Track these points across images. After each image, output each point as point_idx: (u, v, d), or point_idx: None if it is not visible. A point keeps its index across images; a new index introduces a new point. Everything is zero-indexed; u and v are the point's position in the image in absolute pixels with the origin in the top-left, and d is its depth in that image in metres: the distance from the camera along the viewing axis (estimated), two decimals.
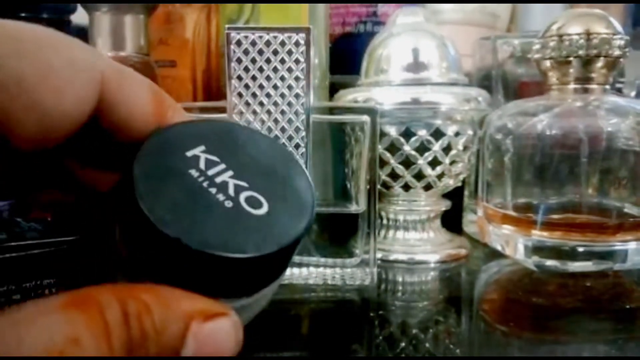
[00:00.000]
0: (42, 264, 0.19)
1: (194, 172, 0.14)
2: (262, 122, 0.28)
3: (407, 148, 0.35)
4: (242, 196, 0.14)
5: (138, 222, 0.13)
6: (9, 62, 0.13)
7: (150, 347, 0.12)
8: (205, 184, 0.14)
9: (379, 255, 0.33)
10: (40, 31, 0.14)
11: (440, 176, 0.36)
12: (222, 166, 0.15)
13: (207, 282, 0.13)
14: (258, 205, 0.14)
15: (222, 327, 0.13)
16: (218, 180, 0.14)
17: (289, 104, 0.28)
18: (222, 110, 0.28)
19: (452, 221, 0.40)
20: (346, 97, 0.37)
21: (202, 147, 0.15)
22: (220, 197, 0.14)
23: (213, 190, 0.14)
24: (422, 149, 0.35)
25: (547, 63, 0.33)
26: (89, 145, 0.17)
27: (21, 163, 0.17)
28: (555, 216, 0.33)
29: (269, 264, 0.14)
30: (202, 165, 0.15)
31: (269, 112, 0.28)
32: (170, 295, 0.13)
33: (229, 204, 0.14)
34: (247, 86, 0.27)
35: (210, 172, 0.14)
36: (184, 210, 0.13)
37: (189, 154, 0.15)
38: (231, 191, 0.14)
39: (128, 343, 0.12)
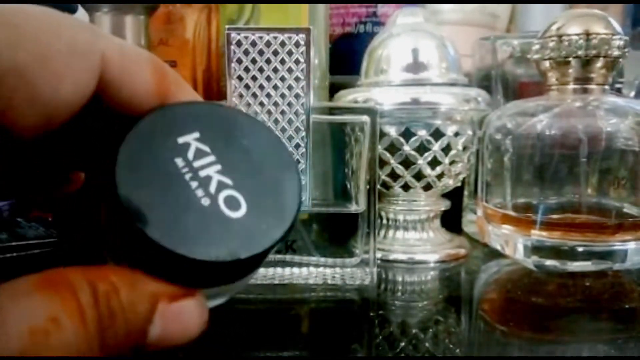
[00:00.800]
0: (43, 264, 0.19)
1: (179, 162, 0.14)
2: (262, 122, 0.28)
3: (407, 148, 0.35)
4: (222, 195, 0.14)
5: (116, 208, 0.13)
6: (6, 52, 0.13)
7: (119, 327, 0.12)
8: (187, 177, 0.14)
9: (378, 255, 0.33)
10: (40, 14, 0.14)
11: (439, 176, 0.36)
12: (211, 158, 0.15)
13: (176, 275, 0.14)
14: (236, 206, 0.14)
15: (187, 307, 0.14)
16: (202, 173, 0.14)
17: (289, 104, 0.28)
18: None
19: (451, 221, 0.40)
20: (346, 97, 0.37)
21: (196, 134, 0.15)
22: (199, 192, 0.14)
23: (194, 184, 0.14)
24: (422, 149, 0.35)
25: (547, 63, 0.33)
26: (90, 124, 0.16)
27: (22, 160, 0.17)
28: (554, 216, 0.33)
29: (238, 267, 0.14)
30: (190, 154, 0.14)
31: (269, 112, 0.28)
32: (138, 277, 0.13)
33: (206, 201, 0.14)
34: (247, 86, 0.28)
35: (197, 164, 0.14)
36: (160, 204, 0.13)
37: (181, 140, 0.14)
38: (212, 188, 0.14)
39: (99, 322, 0.12)
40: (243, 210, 0.14)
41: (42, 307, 0.12)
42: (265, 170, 0.15)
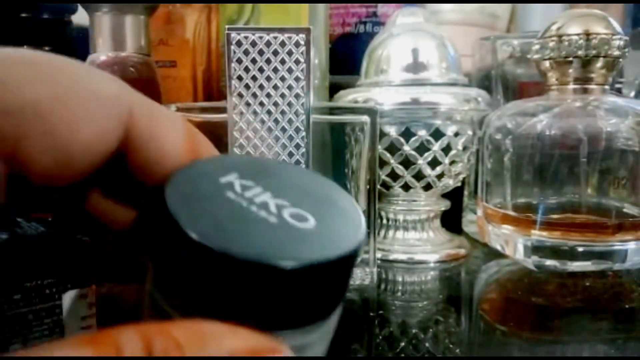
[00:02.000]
0: (44, 264, 0.19)
1: (231, 195, 0.13)
2: (263, 122, 0.28)
3: (407, 148, 0.35)
4: (286, 212, 0.13)
5: (175, 243, 0.12)
6: (25, 87, 0.12)
7: None
8: (244, 204, 0.13)
9: (378, 255, 0.33)
10: (61, 60, 0.14)
11: (439, 176, 0.36)
12: (259, 189, 0.14)
13: (256, 305, 0.12)
14: (304, 219, 0.13)
15: None
16: (258, 200, 0.13)
17: (289, 104, 0.28)
18: (223, 110, 0.28)
19: (451, 221, 0.40)
20: (346, 97, 0.37)
21: (235, 174, 0.14)
22: (263, 214, 0.13)
23: (254, 208, 0.13)
24: (422, 149, 0.35)
25: (547, 63, 0.33)
26: (111, 182, 0.15)
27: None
28: (554, 216, 0.33)
29: (325, 277, 0.13)
30: (237, 188, 0.14)
31: (269, 112, 0.28)
32: (208, 330, 0.11)
33: (273, 219, 0.13)
34: (247, 86, 0.28)
35: (248, 194, 0.13)
36: (226, 225, 0.12)
37: (223, 180, 0.14)
38: (273, 209, 0.13)
39: None
40: (312, 221, 0.13)
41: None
42: (316, 191, 0.15)
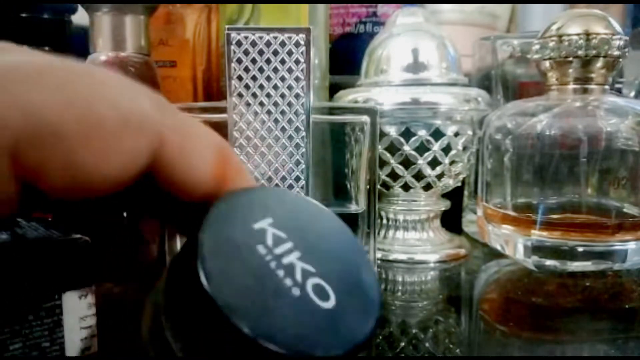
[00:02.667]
0: (44, 264, 0.19)
1: (261, 249, 0.13)
2: (262, 122, 0.28)
3: (407, 148, 0.35)
4: (310, 283, 0.13)
5: (203, 303, 0.12)
6: (53, 113, 0.11)
7: None
8: (273, 265, 0.13)
9: (378, 255, 0.33)
10: (98, 77, 0.13)
11: (439, 176, 0.36)
12: (290, 244, 0.14)
13: None
14: (325, 296, 0.13)
15: None
16: (285, 261, 0.13)
17: (289, 104, 0.28)
18: (223, 110, 0.28)
19: (451, 221, 0.40)
20: (346, 97, 0.37)
21: (270, 220, 0.14)
22: (288, 282, 0.13)
23: (281, 273, 0.13)
24: (422, 149, 0.35)
25: (547, 63, 0.33)
26: (135, 198, 0.15)
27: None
28: (554, 216, 0.33)
29: None
30: (269, 241, 0.14)
31: (269, 112, 0.28)
32: None
33: (296, 291, 0.13)
34: (247, 86, 0.28)
35: (278, 251, 0.13)
36: (252, 296, 0.12)
37: (257, 226, 0.14)
38: (298, 276, 0.13)
39: None
40: (332, 300, 0.13)
41: None
42: (342, 258, 0.15)
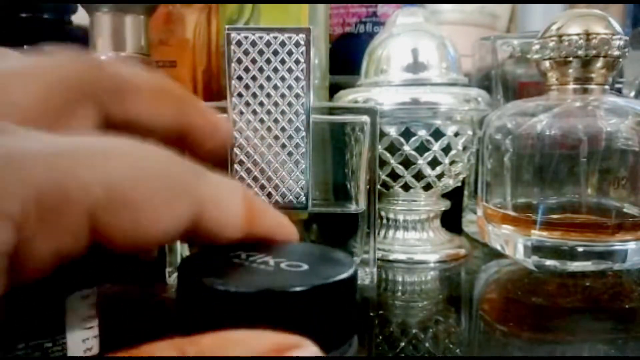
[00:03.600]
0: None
1: (236, 260, 0.16)
2: (262, 122, 0.28)
3: (407, 148, 0.35)
4: (283, 264, 0.15)
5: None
6: (125, 184, 0.14)
7: None
8: (246, 263, 0.15)
9: (378, 255, 0.33)
10: (155, 151, 0.15)
11: (439, 176, 0.36)
12: (262, 255, 0.16)
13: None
14: (298, 266, 0.15)
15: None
16: (259, 260, 0.16)
17: (289, 104, 0.28)
18: (223, 110, 0.28)
19: (451, 221, 0.40)
20: (346, 97, 0.37)
21: (243, 254, 0.16)
22: (262, 266, 0.15)
23: (254, 265, 0.15)
24: (422, 149, 0.35)
25: (547, 63, 0.33)
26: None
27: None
28: (554, 216, 0.33)
29: (328, 300, 0.15)
30: (243, 256, 0.16)
31: (269, 112, 0.28)
32: (234, 337, 0.12)
33: (270, 268, 0.15)
34: (247, 86, 0.28)
35: (252, 258, 0.16)
36: (232, 275, 0.15)
37: (232, 254, 0.16)
38: (272, 263, 0.15)
39: None
40: (306, 266, 0.15)
41: None
42: (314, 252, 0.17)
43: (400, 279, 0.34)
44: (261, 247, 0.17)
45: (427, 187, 0.36)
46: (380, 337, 0.25)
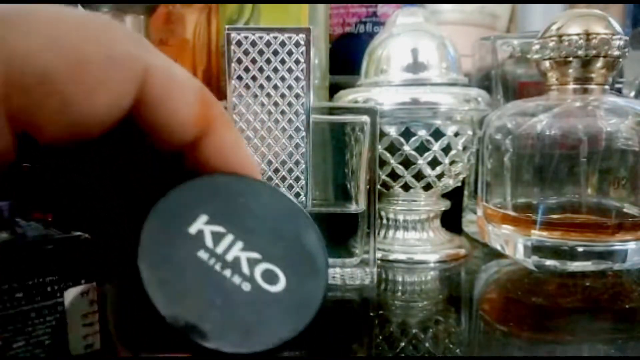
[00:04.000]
0: (45, 262, 0.19)
1: (203, 254, 0.14)
2: (263, 122, 0.28)
3: (407, 148, 0.35)
4: (257, 271, 0.14)
5: (162, 325, 0.13)
6: (40, 57, 0.12)
7: None
8: (218, 267, 0.14)
9: (378, 255, 0.33)
10: (80, 18, 0.13)
11: (439, 176, 0.36)
12: (230, 237, 0.14)
13: None
14: (275, 279, 0.14)
15: None
16: (229, 257, 0.14)
17: (289, 104, 0.28)
18: None
19: (451, 221, 0.40)
20: (346, 97, 0.37)
21: (205, 217, 0.14)
22: (236, 280, 0.14)
23: (227, 273, 0.14)
24: (422, 149, 0.35)
25: (547, 63, 0.33)
26: (120, 144, 0.15)
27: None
28: (554, 216, 0.33)
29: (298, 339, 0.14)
30: (209, 242, 0.14)
31: (269, 112, 0.28)
32: None
33: (246, 287, 0.14)
34: (247, 86, 0.28)
35: (220, 249, 0.14)
36: (208, 309, 0.13)
37: (193, 229, 0.14)
38: (245, 269, 0.14)
39: None
40: (282, 281, 0.14)
41: None
42: (282, 229, 0.15)
43: (400, 279, 0.34)
44: (222, 202, 0.15)
45: (427, 187, 0.36)
46: (380, 337, 0.25)
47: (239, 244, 0.14)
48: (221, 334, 0.13)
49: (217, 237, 0.14)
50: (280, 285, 0.14)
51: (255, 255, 0.14)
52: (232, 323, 0.13)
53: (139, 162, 0.16)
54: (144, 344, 0.14)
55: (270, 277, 0.14)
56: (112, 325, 0.15)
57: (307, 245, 0.15)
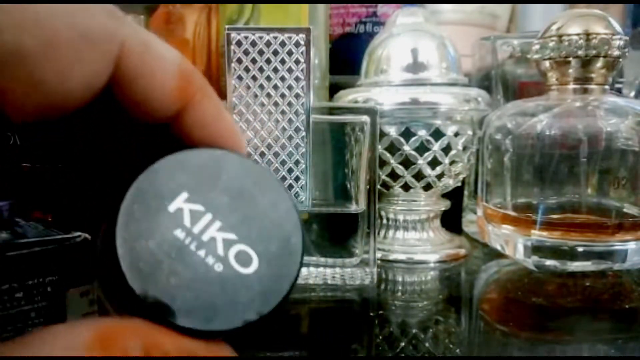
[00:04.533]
0: (45, 262, 0.19)
1: (179, 234, 0.14)
2: (263, 122, 0.28)
3: (407, 148, 0.35)
4: (232, 253, 0.14)
5: (134, 301, 0.13)
6: (9, 36, 0.11)
7: None
8: (193, 247, 0.14)
9: (378, 255, 0.33)
10: None
11: (439, 176, 0.36)
12: (208, 217, 0.14)
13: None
14: (248, 261, 0.14)
15: None
16: (205, 237, 0.14)
17: (289, 104, 0.28)
18: None
19: (451, 221, 0.40)
20: (346, 97, 0.37)
21: (185, 194, 0.14)
22: (210, 260, 0.14)
23: (202, 252, 0.14)
24: (422, 149, 0.35)
25: (547, 63, 0.33)
26: (100, 120, 0.15)
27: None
28: (554, 216, 0.33)
29: (263, 321, 0.14)
30: (187, 221, 0.14)
31: (269, 112, 0.28)
32: (189, 342, 0.13)
33: (219, 267, 0.14)
34: (247, 86, 0.28)
35: (197, 229, 0.14)
36: (179, 287, 0.13)
37: (172, 207, 0.14)
38: (220, 250, 0.14)
39: None
40: (255, 263, 0.14)
41: None
42: (261, 209, 0.15)
43: (400, 279, 0.34)
44: (201, 178, 0.14)
45: (427, 187, 0.36)
46: (380, 337, 0.25)
47: (217, 224, 0.14)
48: (189, 313, 0.13)
49: (196, 216, 0.14)
50: (253, 267, 0.14)
51: (231, 236, 0.14)
52: (201, 302, 0.13)
53: (121, 137, 0.16)
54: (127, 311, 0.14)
55: (244, 259, 0.14)
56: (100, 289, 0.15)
57: (285, 228, 0.15)
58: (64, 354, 0.11)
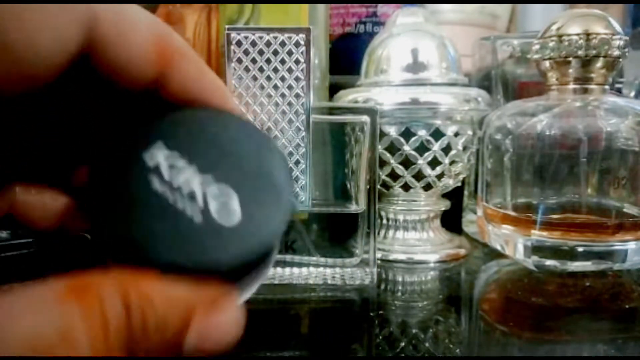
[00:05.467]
0: (45, 262, 0.19)
1: (157, 185, 0.14)
2: (263, 122, 0.28)
3: (407, 148, 0.35)
4: (213, 206, 0.14)
5: (117, 241, 0.13)
6: None
7: (149, 343, 0.12)
8: (170, 199, 0.13)
9: (378, 255, 0.33)
10: None
11: (439, 176, 0.36)
12: (184, 164, 0.14)
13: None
14: (229, 214, 0.14)
15: (224, 320, 0.13)
16: (185, 190, 0.14)
17: (289, 104, 0.28)
18: None
19: (451, 221, 0.40)
20: (346, 97, 0.37)
21: (161, 144, 0.14)
22: (189, 211, 0.13)
23: (180, 205, 0.13)
24: (422, 149, 0.35)
25: (547, 63, 0.33)
26: (82, 92, 0.15)
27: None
28: (554, 216, 0.33)
29: (249, 268, 0.14)
30: (165, 172, 0.14)
31: (269, 112, 0.28)
32: (170, 284, 0.12)
33: (198, 218, 0.13)
34: (247, 86, 0.28)
35: (176, 182, 0.14)
36: (157, 235, 0.13)
37: (151, 161, 0.14)
38: (200, 201, 0.14)
39: (127, 338, 0.11)
40: (237, 216, 0.14)
41: (56, 320, 0.11)
42: (246, 160, 0.15)
43: (400, 279, 0.34)
44: (179, 128, 0.14)
45: (427, 187, 0.36)
46: (380, 337, 0.25)
47: (197, 177, 0.14)
48: (169, 249, 0.13)
49: (173, 167, 0.14)
50: (234, 220, 0.14)
51: (212, 189, 0.14)
52: (177, 253, 0.13)
53: (102, 106, 0.16)
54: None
55: (225, 211, 0.14)
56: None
57: (267, 169, 0.15)
58: (38, 307, 0.11)
